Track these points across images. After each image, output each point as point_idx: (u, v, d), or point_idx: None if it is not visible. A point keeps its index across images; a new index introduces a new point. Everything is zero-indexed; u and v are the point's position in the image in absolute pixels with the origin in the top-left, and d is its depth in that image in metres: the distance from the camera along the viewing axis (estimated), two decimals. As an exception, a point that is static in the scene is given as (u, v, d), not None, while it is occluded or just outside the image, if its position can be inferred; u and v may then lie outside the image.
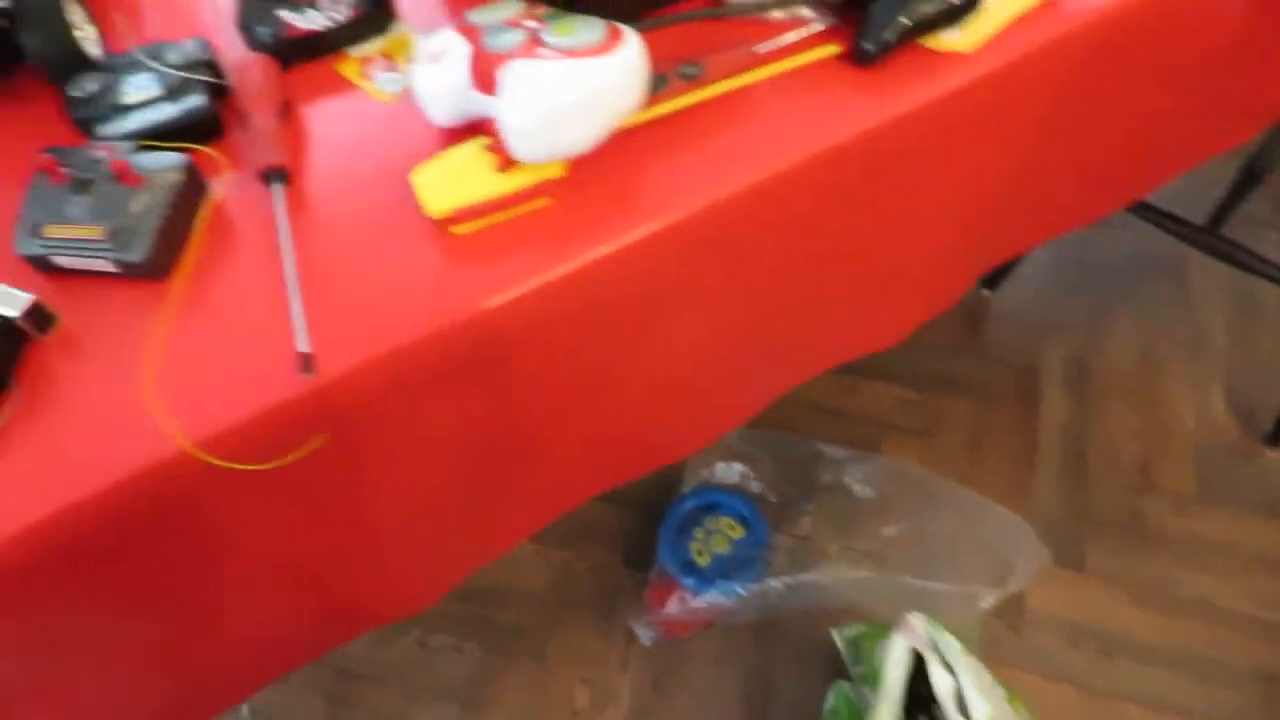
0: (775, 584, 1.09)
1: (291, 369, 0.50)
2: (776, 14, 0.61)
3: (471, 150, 0.54)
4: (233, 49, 0.63)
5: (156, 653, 0.62)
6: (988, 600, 0.96)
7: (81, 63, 0.59)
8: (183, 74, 0.58)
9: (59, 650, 0.57)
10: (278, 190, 0.56)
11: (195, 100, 0.58)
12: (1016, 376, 1.35)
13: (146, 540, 0.53)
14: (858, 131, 0.58)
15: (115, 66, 0.59)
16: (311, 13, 0.61)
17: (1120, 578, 1.17)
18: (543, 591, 1.21)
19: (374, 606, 0.74)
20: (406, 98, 0.61)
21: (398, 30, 0.64)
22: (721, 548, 1.13)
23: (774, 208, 0.60)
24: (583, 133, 0.51)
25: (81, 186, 0.53)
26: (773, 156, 0.57)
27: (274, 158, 0.56)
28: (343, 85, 0.62)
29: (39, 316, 0.51)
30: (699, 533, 1.15)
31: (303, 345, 0.50)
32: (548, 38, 0.51)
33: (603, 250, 0.54)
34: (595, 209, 0.55)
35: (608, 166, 0.55)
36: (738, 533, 1.15)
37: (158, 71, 0.58)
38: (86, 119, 0.58)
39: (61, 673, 0.58)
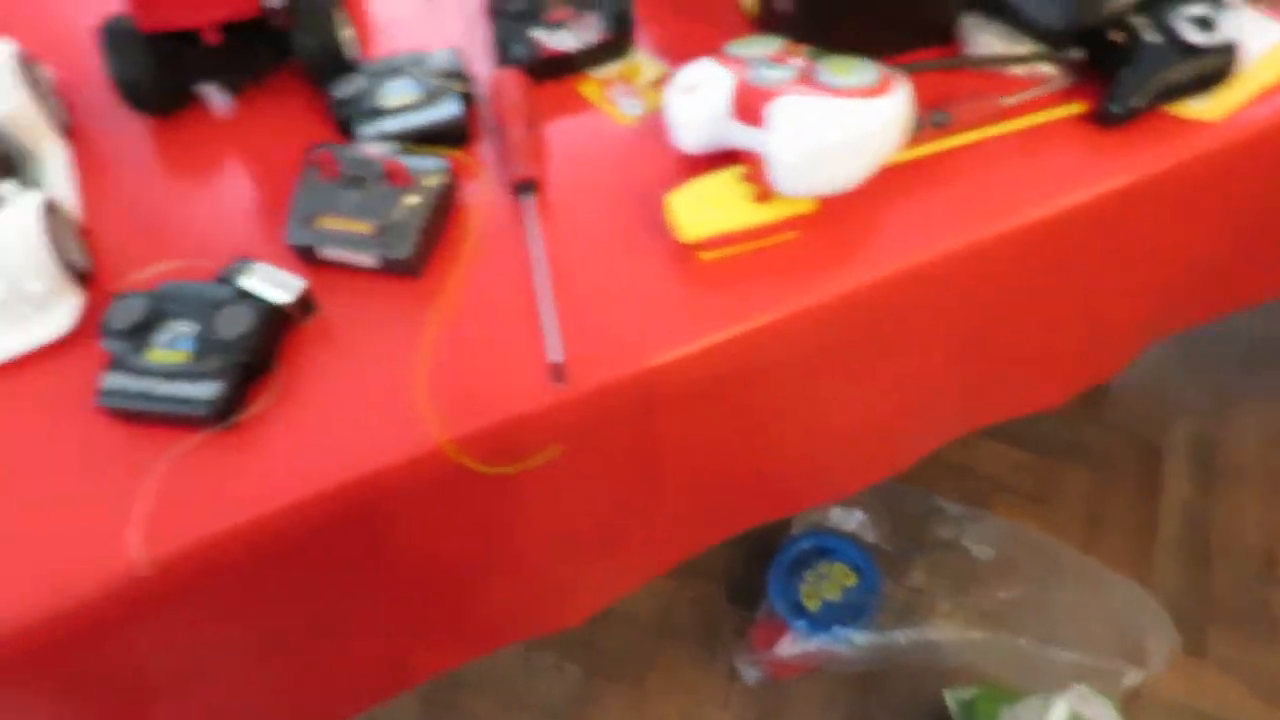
0: (889, 636, 1.07)
1: (541, 377, 0.51)
2: (1016, 69, 0.62)
3: (727, 179, 0.55)
4: (474, 61, 0.65)
5: (306, 655, 0.63)
6: (1132, 678, 0.93)
7: (342, 65, 0.62)
8: (442, 82, 0.60)
9: (222, 647, 0.58)
10: (529, 201, 0.57)
11: (451, 108, 0.60)
12: (1138, 451, 1.32)
13: (357, 535, 0.54)
14: (1097, 193, 0.58)
15: (374, 71, 0.62)
16: (563, 34, 0.63)
17: (1242, 668, 1.13)
18: (645, 619, 1.20)
19: (508, 624, 0.74)
20: (646, 121, 0.62)
21: (635, 56, 0.66)
22: (832, 594, 1.12)
23: (1004, 261, 0.60)
24: (849, 171, 0.52)
25: (354, 183, 0.55)
26: (1013, 210, 0.57)
27: (526, 169, 0.58)
28: (584, 105, 0.64)
29: (305, 303, 0.53)
30: (810, 576, 1.13)
31: (555, 355, 0.51)
32: (822, 76, 0.52)
33: (843, 288, 0.55)
34: (840, 247, 0.56)
35: (857, 205, 0.56)
36: (850, 580, 1.13)
37: (416, 78, 0.60)
38: (347, 118, 0.60)
39: (213, 669, 0.59)
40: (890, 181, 0.56)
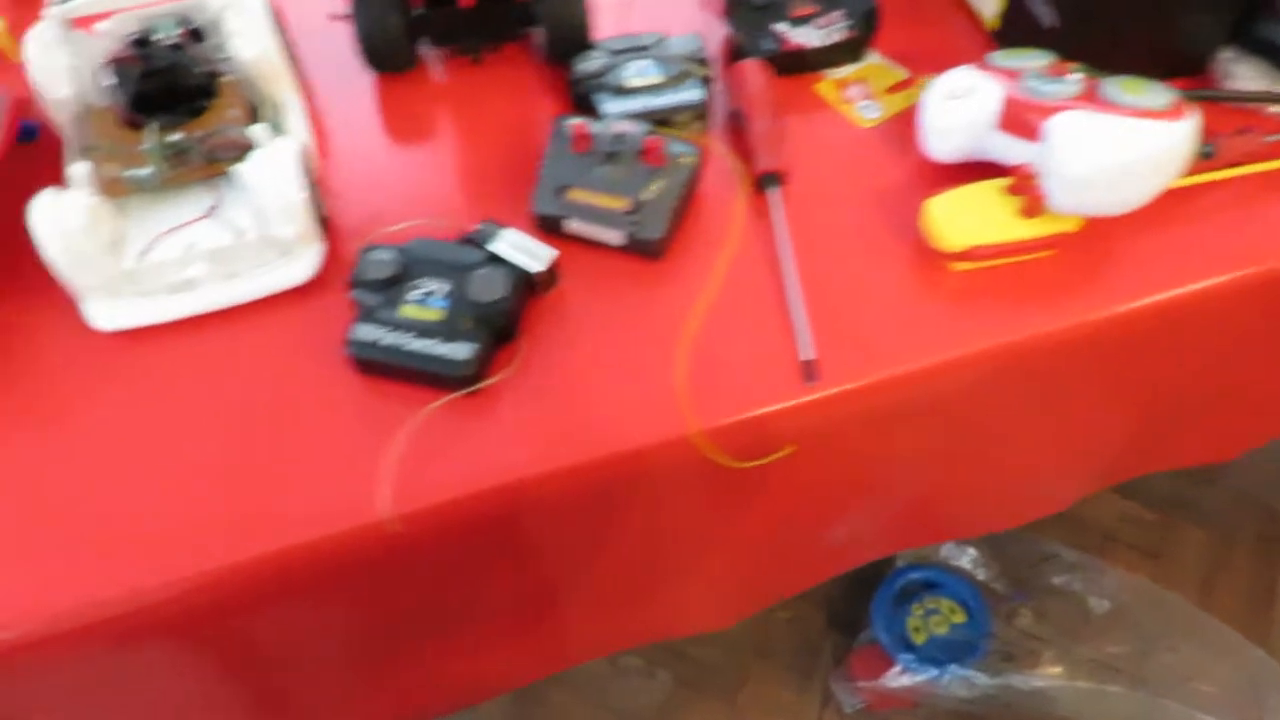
0: (1006, 679, 1.04)
1: (789, 374, 0.50)
2: (1275, 109, 0.60)
3: (990, 190, 0.53)
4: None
5: (457, 634, 0.61)
6: (1277, 750, 0.90)
7: (582, 41, 0.61)
8: (684, 66, 0.59)
9: (377, 622, 0.57)
10: (774, 194, 0.56)
11: (693, 92, 0.59)
12: (1257, 515, 1.28)
13: (564, 515, 0.53)
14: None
15: (615, 49, 0.61)
16: (806, 30, 0.62)
17: (1361, 752, 1.08)
18: (739, 634, 1.17)
19: (626, 628, 0.72)
20: (886, 126, 0.61)
21: (871, 60, 0.65)
22: (940, 629, 1.09)
23: (1244, 305, 0.58)
24: (1132, 193, 0.50)
25: (609, 159, 0.54)
26: (1266, 254, 0.55)
27: (772, 161, 0.56)
28: (820, 104, 0.62)
29: (552, 274, 0.52)
30: (917, 609, 1.11)
31: (806, 353, 0.50)
32: (1111, 93, 0.50)
33: (1092, 316, 0.53)
34: (1094, 272, 0.54)
35: (1118, 230, 0.54)
36: (959, 617, 1.10)
37: (658, 60, 0.59)
38: (587, 94, 0.59)
39: (351, 646, 0.58)
40: (1154, 209, 0.54)
